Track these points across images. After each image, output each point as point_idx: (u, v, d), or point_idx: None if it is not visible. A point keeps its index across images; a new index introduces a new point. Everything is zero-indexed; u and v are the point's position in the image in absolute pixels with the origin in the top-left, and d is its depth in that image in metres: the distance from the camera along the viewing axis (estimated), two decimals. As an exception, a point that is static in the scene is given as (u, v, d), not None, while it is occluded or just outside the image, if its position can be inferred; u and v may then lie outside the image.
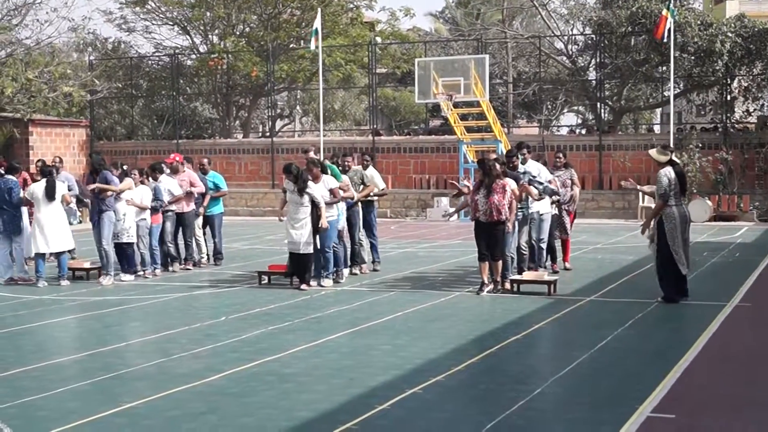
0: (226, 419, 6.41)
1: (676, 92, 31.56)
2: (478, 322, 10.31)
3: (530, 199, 12.95)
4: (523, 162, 13.46)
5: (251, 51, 36.11)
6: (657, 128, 41.60)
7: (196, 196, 15.47)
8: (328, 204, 12.90)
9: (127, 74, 37.34)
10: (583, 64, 35.63)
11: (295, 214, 12.76)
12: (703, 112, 42.01)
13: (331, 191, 13.07)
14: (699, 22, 28.67)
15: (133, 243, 14.18)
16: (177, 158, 15.82)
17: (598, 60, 32.34)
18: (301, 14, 36.48)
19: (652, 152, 11.60)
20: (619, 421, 6.23)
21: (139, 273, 14.29)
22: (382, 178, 15.26)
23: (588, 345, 8.85)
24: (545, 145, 29.36)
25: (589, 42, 34.48)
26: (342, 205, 13.64)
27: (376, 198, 15.06)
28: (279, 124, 42.77)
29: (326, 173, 13.30)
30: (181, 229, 15.43)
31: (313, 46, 27.84)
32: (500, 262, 12.24)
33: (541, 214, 13.60)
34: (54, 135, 34.50)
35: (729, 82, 30.03)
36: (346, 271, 13.93)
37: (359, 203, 14.36)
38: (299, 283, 12.93)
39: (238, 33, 37.94)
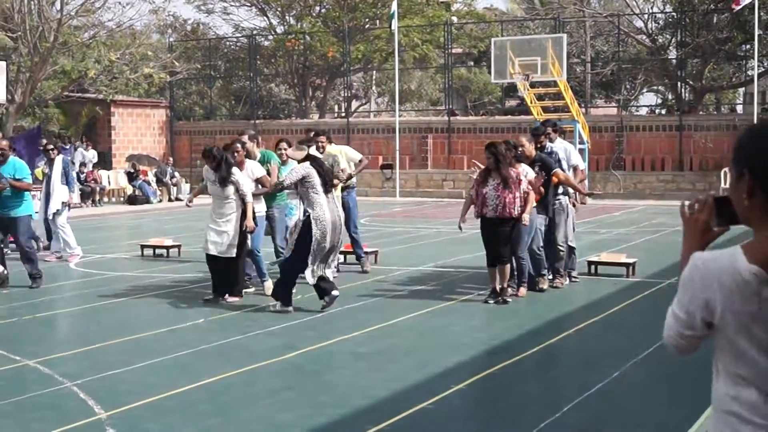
0: (304, 397, 6.47)
1: (760, 71, 30.74)
2: (555, 304, 10.21)
3: (560, 188, 11.08)
4: (551, 140, 11.35)
5: (327, 31, 36.25)
6: (740, 108, 40.61)
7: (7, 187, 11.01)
8: (255, 196, 10.43)
9: (206, 55, 37.87)
10: (663, 43, 34.91)
11: (219, 209, 10.22)
12: (788, 92, 40.86)
13: (258, 180, 10.66)
14: (786, -1, 27.90)
15: None
16: None
17: (678, 38, 31.68)
18: (378, -6, 36.52)
19: None
20: (700, 409, 6.10)
21: None
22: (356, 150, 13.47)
23: (667, 329, 8.68)
24: (624, 125, 28.91)
25: (670, 20, 33.79)
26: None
27: (353, 181, 12.65)
28: (355, 104, 42.91)
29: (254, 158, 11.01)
30: None
31: (393, 27, 28.07)
32: (508, 267, 10.19)
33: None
34: (135, 115, 35.18)
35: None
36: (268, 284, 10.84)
37: (347, 188, 12.40)
38: (223, 294, 10.37)
39: (314, 14, 38.13)
